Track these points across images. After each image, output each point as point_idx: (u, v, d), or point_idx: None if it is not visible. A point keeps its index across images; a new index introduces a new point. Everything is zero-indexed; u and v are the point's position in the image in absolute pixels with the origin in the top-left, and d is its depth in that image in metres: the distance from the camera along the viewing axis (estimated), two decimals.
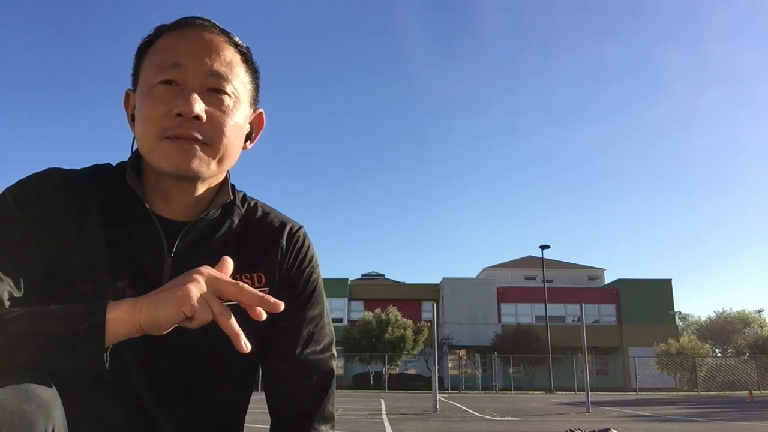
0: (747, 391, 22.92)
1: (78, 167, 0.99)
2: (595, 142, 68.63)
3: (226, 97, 0.92)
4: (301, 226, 1.08)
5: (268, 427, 1.02)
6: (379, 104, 68.78)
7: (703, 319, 46.86)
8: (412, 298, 41.67)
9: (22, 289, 0.84)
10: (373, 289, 43.00)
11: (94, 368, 0.72)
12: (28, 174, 0.92)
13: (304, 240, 1.07)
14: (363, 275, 48.48)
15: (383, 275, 49.13)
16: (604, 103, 66.97)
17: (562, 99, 66.59)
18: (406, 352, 33.57)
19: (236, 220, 1.01)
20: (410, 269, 77.47)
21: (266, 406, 1.02)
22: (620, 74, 66.15)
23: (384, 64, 68.01)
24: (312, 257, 1.07)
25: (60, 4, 64.06)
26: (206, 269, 0.76)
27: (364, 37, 68.80)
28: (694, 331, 43.91)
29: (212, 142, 0.90)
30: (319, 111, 67.29)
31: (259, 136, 1.04)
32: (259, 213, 1.05)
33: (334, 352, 1.08)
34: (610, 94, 66.79)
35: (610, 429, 6.95)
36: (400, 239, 69.40)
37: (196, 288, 0.74)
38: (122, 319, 0.73)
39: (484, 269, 46.86)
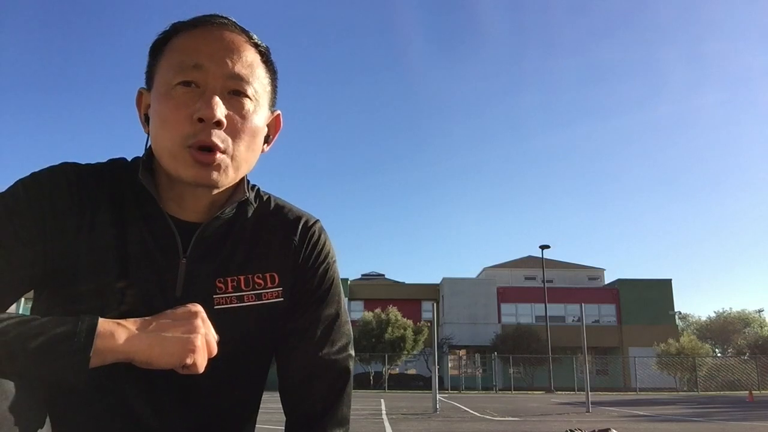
0: (747, 391, 22.90)
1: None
2: (595, 143, 68.69)
3: (246, 101, 0.89)
4: (317, 220, 1.04)
5: (277, 427, 1.00)
6: (379, 105, 68.83)
7: (703, 319, 46.96)
8: (412, 298, 41.64)
9: (20, 290, 0.83)
10: (373, 289, 42.94)
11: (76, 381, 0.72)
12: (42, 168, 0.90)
13: (320, 235, 1.03)
14: (363, 275, 48.43)
15: (383, 275, 49.08)
16: (604, 103, 67.02)
17: (562, 99, 66.65)
18: (406, 352, 33.52)
19: (250, 218, 0.98)
20: (410, 269, 77.53)
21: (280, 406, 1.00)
22: (620, 74, 66.20)
23: (384, 65, 68.08)
24: (328, 253, 1.03)
25: (60, 3, 64.00)
26: (204, 317, 0.80)
27: (365, 38, 68.82)
28: (694, 331, 43.87)
29: (232, 149, 0.87)
30: (320, 111, 67.30)
31: (275, 138, 1.01)
32: (273, 208, 1.02)
33: (352, 352, 1.03)
34: (610, 94, 66.87)
35: (610, 429, 6.93)
36: (400, 239, 69.47)
37: (202, 340, 0.77)
38: (112, 349, 0.72)
39: (484, 269, 46.78)
